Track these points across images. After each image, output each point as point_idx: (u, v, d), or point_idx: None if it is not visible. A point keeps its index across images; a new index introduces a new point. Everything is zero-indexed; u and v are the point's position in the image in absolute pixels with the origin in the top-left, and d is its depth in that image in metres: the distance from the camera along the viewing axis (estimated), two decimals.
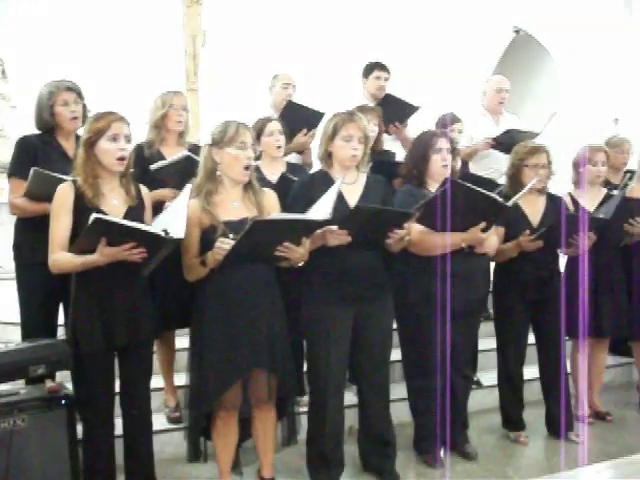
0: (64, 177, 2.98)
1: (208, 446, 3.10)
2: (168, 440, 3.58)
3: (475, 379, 4.34)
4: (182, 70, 6.76)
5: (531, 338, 4.00)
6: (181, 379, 3.37)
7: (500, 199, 3.27)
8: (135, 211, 2.84)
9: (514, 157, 3.88)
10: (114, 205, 2.81)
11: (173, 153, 3.55)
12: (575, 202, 4.09)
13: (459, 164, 3.92)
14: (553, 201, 3.90)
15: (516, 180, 3.80)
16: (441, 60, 8.68)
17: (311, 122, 4.32)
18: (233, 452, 3.10)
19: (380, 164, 3.88)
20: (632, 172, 4.69)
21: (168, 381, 3.76)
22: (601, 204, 4.10)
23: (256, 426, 3.10)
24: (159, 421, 3.55)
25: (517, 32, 8.82)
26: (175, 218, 2.71)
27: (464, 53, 8.81)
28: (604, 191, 4.24)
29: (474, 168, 4.85)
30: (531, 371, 4.12)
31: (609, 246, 4.09)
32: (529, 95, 9.02)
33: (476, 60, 8.94)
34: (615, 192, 4.30)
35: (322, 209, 2.78)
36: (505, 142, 4.61)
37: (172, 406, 3.74)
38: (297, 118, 4.21)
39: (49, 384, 2.92)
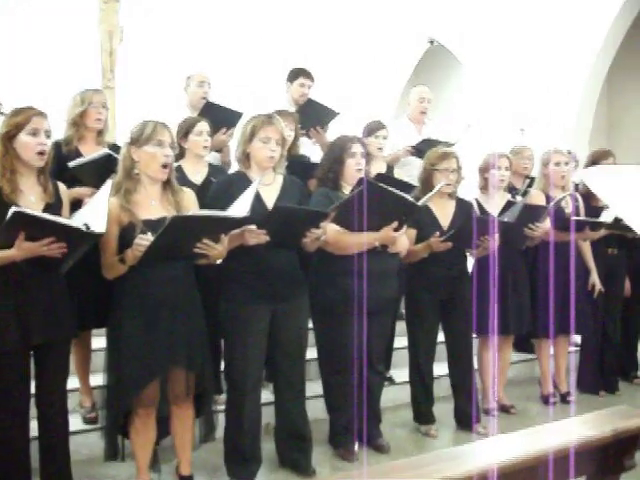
0: None
1: (126, 445, 3.09)
2: (84, 441, 3.54)
3: (388, 376, 4.49)
4: (98, 67, 6.64)
5: (441, 336, 4.18)
6: (97, 379, 3.35)
7: (411, 199, 3.43)
8: (52, 208, 2.81)
9: (426, 162, 4.06)
10: (31, 201, 2.78)
11: (91, 151, 3.53)
12: (481, 207, 4.31)
13: (381, 168, 4.07)
14: (462, 205, 4.10)
15: (427, 184, 3.98)
16: (359, 68, 8.89)
17: (230, 121, 4.37)
18: (151, 450, 3.10)
19: (295, 164, 3.97)
20: (533, 178, 4.97)
21: (84, 381, 3.73)
22: (504, 209, 4.33)
23: (174, 424, 3.11)
24: (75, 422, 3.49)
25: (431, 43, 9.09)
26: (95, 213, 2.72)
27: (380, 62, 9.05)
28: (507, 196, 4.47)
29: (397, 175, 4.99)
30: (441, 367, 4.31)
31: (513, 249, 4.32)
32: (442, 103, 9.34)
33: (392, 70, 9.19)
34: (518, 197, 4.56)
35: (240, 207, 2.85)
36: (424, 150, 4.78)
37: (88, 406, 3.71)
38: (216, 117, 4.25)
39: None
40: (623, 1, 6.98)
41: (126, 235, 2.84)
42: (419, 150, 4.90)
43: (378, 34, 8.86)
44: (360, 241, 3.41)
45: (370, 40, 8.87)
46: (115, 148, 3.51)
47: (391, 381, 4.56)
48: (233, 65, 7.97)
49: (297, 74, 4.97)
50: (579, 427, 1.67)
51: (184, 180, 3.46)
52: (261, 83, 6.17)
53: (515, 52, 7.66)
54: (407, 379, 4.22)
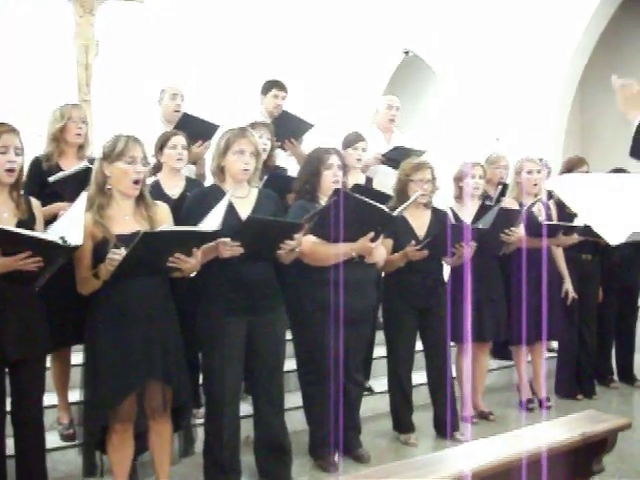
0: None
1: (105, 461, 3.07)
2: (61, 458, 3.52)
3: (367, 386, 4.51)
4: (74, 81, 6.62)
5: (419, 345, 4.21)
6: (76, 395, 3.33)
7: (386, 209, 3.45)
8: (25, 224, 2.81)
9: (401, 173, 4.10)
10: (4, 218, 2.77)
11: (72, 166, 3.53)
12: (456, 215, 4.36)
13: (359, 179, 4.09)
14: (437, 214, 4.14)
15: (402, 194, 4.02)
16: (334, 79, 8.93)
17: (206, 133, 4.38)
18: (129, 466, 3.08)
19: (274, 178, 3.99)
20: (506, 185, 5.03)
21: (62, 397, 3.70)
22: (478, 215, 4.37)
23: (152, 439, 3.09)
24: (52, 439, 3.48)
25: (406, 53, 9.17)
26: (71, 226, 2.71)
27: (356, 73, 9.10)
28: (479, 203, 4.51)
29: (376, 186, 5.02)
30: (420, 376, 4.33)
31: (489, 256, 4.37)
32: (417, 113, 9.42)
33: (368, 80, 9.25)
34: (490, 204, 4.62)
35: (212, 221, 2.86)
36: (393, 158, 4.83)
37: (66, 423, 3.68)
38: (192, 130, 4.26)
39: None
40: (595, 8, 7.09)
41: (100, 250, 2.83)
42: (389, 158, 4.94)
43: (354, 45, 8.92)
44: (336, 252, 3.44)
45: (346, 51, 8.93)
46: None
47: (370, 391, 4.58)
48: (208, 78, 7.98)
49: (270, 86, 5.01)
50: (549, 432, 1.70)
51: (161, 194, 3.47)
52: (236, 96, 6.18)
53: (489, 61, 7.75)
54: (386, 388, 4.24)
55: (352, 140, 4.60)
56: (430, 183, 4.05)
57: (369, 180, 4.77)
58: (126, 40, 8.23)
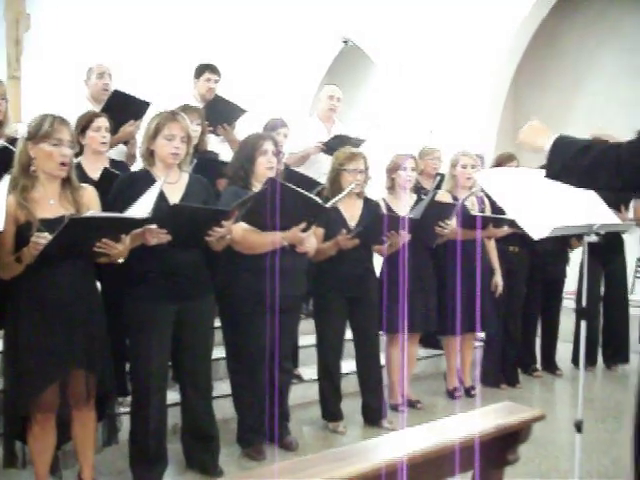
0: None
1: (26, 451, 2.99)
2: None
3: (297, 373, 4.53)
4: (3, 56, 6.38)
5: (349, 333, 4.24)
6: None
7: (319, 201, 3.46)
8: None
9: (334, 162, 4.11)
10: None
11: None
12: (388, 206, 4.39)
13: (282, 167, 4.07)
14: (369, 205, 4.17)
15: (336, 183, 4.03)
16: (273, 67, 8.87)
17: (137, 112, 4.29)
18: (51, 456, 3.01)
19: (204, 163, 3.94)
20: (442, 176, 5.10)
21: None
22: (413, 207, 4.42)
23: (75, 428, 3.03)
24: None
25: (345, 43, 9.18)
26: None
27: (295, 61, 9.07)
28: (415, 197, 4.57)
29: (307, 172, 5.00)
30: (349, 364, 4.37)
31: (421, 247, 4.43)
32: (355, 103, 9.46)
33: (306, 69, 9.23)
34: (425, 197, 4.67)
35: (142, 207, 2.80)
36: (334, 147, 4.82)
37: None
38: (123, 107, 4.16)
39: None
40: (530, 7, 7.25)
41: (23, 234, 2.74)
42: (330, 147, 4.94)
43: (292, 33, 8.87)
44: (268, 240, 3.43)
45: (284, 39, 8.87)
46: (14, 141, 3.36)
47: (299, 379, 4.59)
48: (142, 58, 7.81)
49: (203, 69, 4.95)
50: (465, 424, 1.74)
51: (83, 177, 3.37)
52: (171, 79, 6.06)
53: (426, 54, 7.84)
54: (315, 377, 4.25)
55: (274, 125, 4.60)
56: (363, 173, 4.08)
57: (287, 167, 4.78)
58: (59, 14, 7.97)
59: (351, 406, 4.31)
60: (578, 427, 2.94)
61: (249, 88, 7.59)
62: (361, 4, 8.37)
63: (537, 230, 2.59)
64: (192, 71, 5.02)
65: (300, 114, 5.62)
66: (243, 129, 4.56)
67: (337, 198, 3.62)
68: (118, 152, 4.30)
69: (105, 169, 3.58)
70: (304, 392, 4.52)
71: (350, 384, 4.43)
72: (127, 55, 7.14)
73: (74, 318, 2.84)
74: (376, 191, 4.48)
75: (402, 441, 1.74)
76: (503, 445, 1.77)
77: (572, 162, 2.07)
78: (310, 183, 4.08)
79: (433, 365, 5.50)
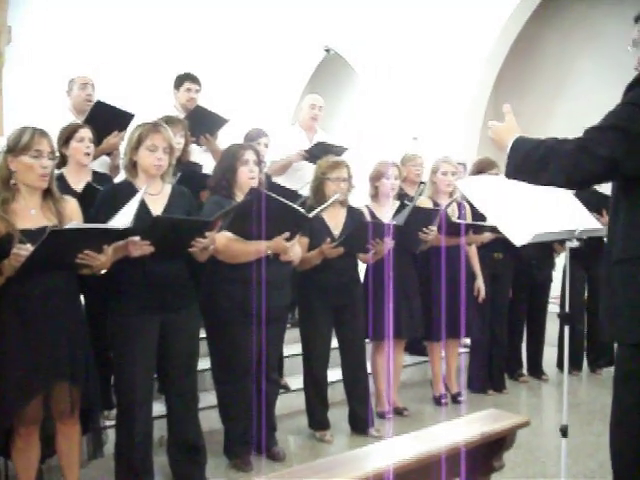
0: None
1: (9, 466, 2.97)
2: None
3: (283, 383, 4.51)
4: None
5: (335, 342, 4.24)
6: None
7: (302, 210, 3.46)
8: None
9: (317, 171, 4.11)
10: None
11: None
12: (372, 214, 4.40)
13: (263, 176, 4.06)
14: (353, 213, 4.18)
15: (319, 192, 4.04)
16: (255, 76, 8.89)
17: (121, 123, 4.27)
18: (35, 470, 2.98)
19: (188, 175, 3.93)
20: (425, 184, 5.12)
21: None
22: (396, 215, 4.43)
23: (59, 442, 3.00)
24: None
25: (327, 51, 9.21)
26: None
27: (277, 70, 9.08)
28: (397, 203, 4.58)
29: (289, 180, 5.02)
30: (335, 373, 4.37)
31: (404, 253, 4.43)
32: (338, 111, 9.49)
33: (289, 77, 9.25)
34: (408, 203, 4.68)
35: (124, 218, 2.79)
36: (317, 154, 4.82)
37: None
38: (106, 119, 4.14)
39: None
40: (510, 13, 7.32)
41: (3, 246, 2.71)
42: (312, 155, 4.94)
43: (274, 42, 8.89)
44: (252, 249, 3.43)
45: (266, 48, 8.89)
46: None
47: (286, 389, 4.58)
48: (124, 69, 7.79)
49: (182, 79, 4.91)
50: (450, 432, 1.74)
51: (66, 189, 3.35)
52: (152, 89, 6.05)
53: (407, 63, 7.89)
54: (302, 386, 4.24)
55: (254, 135, 4.59)
56: (346, 181, 4.08)
57: (267, 176, 4.77)
58: (41, 26, 7.94)
59: (338, 415, 4.30)
60: (563, 432, 2.96)
61: (231, 97, 7.58)
62: (343, 13, 8.41)
63: (519, 236, 2.61)
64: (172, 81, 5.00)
65: (282, 123, 5.61)
66: (225, 139, 4.55)
67: (321, 208, 3.62)
68: (101, 163, 4.27)
69: (88, 184, 3.56)
70: (291, 402, 4.50)
71: (337, 393, 4.42)
72: (108, 66, 7.11)
73: (57, 330, 2.82)
74: (359, 199, 4.48)
75: (388, 450, 1.74)
76: (489, 452, 1.77)
77: (523, 160, 2.13)
78: (291, 195, 4.07)
79: (420, 372, 5.50)
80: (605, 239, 2.24)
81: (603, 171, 2.00)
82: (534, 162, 2.09)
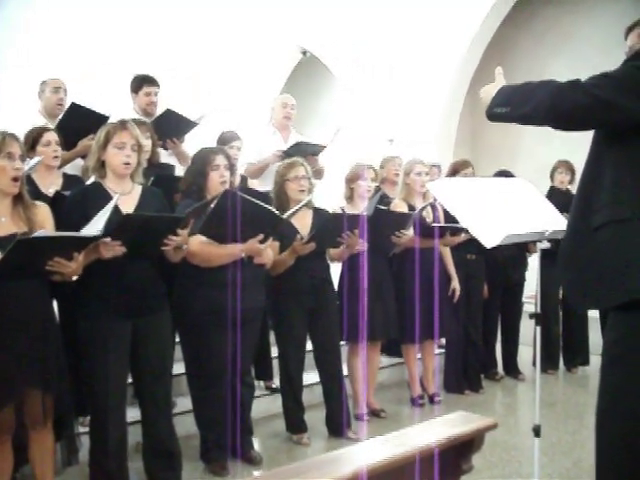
0: None
1: None
2: None
3: (274, 386, 4.54)
4: None
5: (310, 345, 4.24)
6: None
7: (276, 211, 3.47)
8: None
9: (276, 176, 4.12)
10: None
11: None
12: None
13: (238, 180, 4.08)
14: (319, 213, 4.19)
15: (283, 195, 4.05)
16: (231, 78, 8.87)
17: (96, 125, 4.22)
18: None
19: (160, 179, 3.90)
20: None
21: None
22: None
23: (33, 450, 2.96)
24: None
25: (304, 54, 9.23)
26: None
27: (253, 72, 9.08)
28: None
29: (266, 183, 5.00)
30: (312, 375, 4.37)
31: (380, 255, 4.45)
32: (315, 114, 9.51)
33: (265, 80, 9.24)
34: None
35: (95, 226, 2.77)
36: (294, 154, 4.79)
37: None
38: (81, 121, 4.10)
39: None
40: (486, 13, 7.39)
41: None
42: (290, 155, 4.92)
43: (251, 44, 8.88)
44: (225, 252, 3.42)
45: (242, 50, 8.88)
46: None
47: (276, 391, 4.51)
48: (95, 71, 7.73)
49: (140, 83, 4.76)
50: (420, 435, 1.75)
51: (36, 192, 3.32)
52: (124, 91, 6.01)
53: (383, 65, 7.92)
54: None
55: (227, 138, 4.58)
56: (306, 179, 4.08)
57: (244, 179, 4.75)
58: (11, 30, 7.88)
59: (315, 417, 4.30)
60: (536, 432, 2.98)
61: (207, 99, 7.56)
62: (319, 15, 8.43)
63: (489, 238, 2.62)
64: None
65: (259, 125, 5.59)
66: (199, 142, 4.51)
67: (294, 209, 3.63)
68: (72, 165, 4.23)
69: (56, 192, 3.52)
70: (268, 405, 4.50)
71: (314, 395, 4.42)
72: (80, 70, 7.06)
73: (29, 337, 2.79)
74: (334, 200, 4.49)
75: (361, 453, 1.75)
76: (457, 455, 1.78)
77: (510, 94, 2.08)
78: (265, 198, 4.06)
79: (397, 373, 5.50)
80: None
81: (590, 106, 1.90)
82: (522, 92, 2.03)
